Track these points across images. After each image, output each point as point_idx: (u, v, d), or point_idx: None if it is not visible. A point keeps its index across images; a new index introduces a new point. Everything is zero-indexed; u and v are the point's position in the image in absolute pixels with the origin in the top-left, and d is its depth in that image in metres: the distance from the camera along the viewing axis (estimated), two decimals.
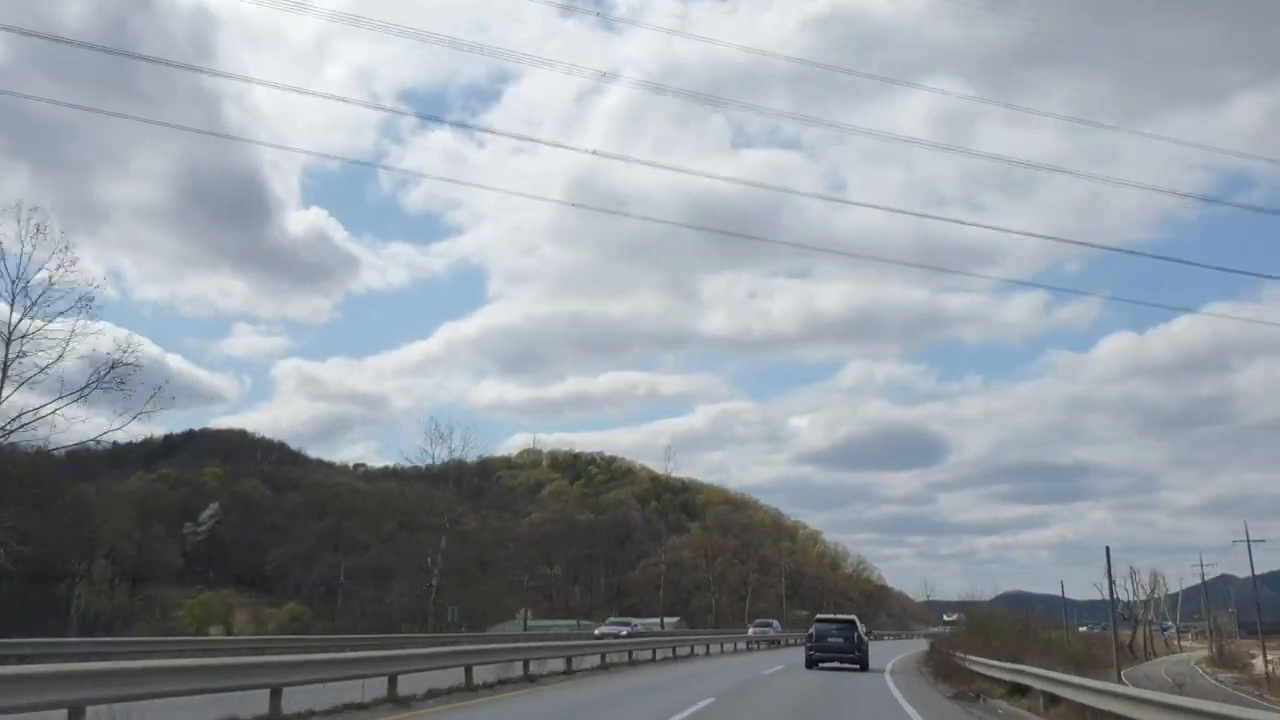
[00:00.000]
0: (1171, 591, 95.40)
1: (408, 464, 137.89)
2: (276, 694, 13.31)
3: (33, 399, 30.38)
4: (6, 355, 29.33)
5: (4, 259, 29.50)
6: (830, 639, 31.77)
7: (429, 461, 79.23)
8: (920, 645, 51.21)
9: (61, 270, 29.38)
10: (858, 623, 34.02)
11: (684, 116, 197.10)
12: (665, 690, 20.24)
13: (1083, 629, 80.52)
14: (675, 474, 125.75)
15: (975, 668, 25.45)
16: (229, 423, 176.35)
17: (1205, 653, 59.65)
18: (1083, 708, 14.95)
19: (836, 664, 31.25)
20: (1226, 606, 79.15)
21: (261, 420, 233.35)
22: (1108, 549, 41.23)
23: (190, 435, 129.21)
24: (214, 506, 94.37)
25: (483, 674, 20.35)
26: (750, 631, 61.61)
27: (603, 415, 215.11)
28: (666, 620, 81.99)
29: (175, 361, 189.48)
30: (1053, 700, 17.20)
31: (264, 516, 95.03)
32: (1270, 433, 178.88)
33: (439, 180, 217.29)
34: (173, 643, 29.70)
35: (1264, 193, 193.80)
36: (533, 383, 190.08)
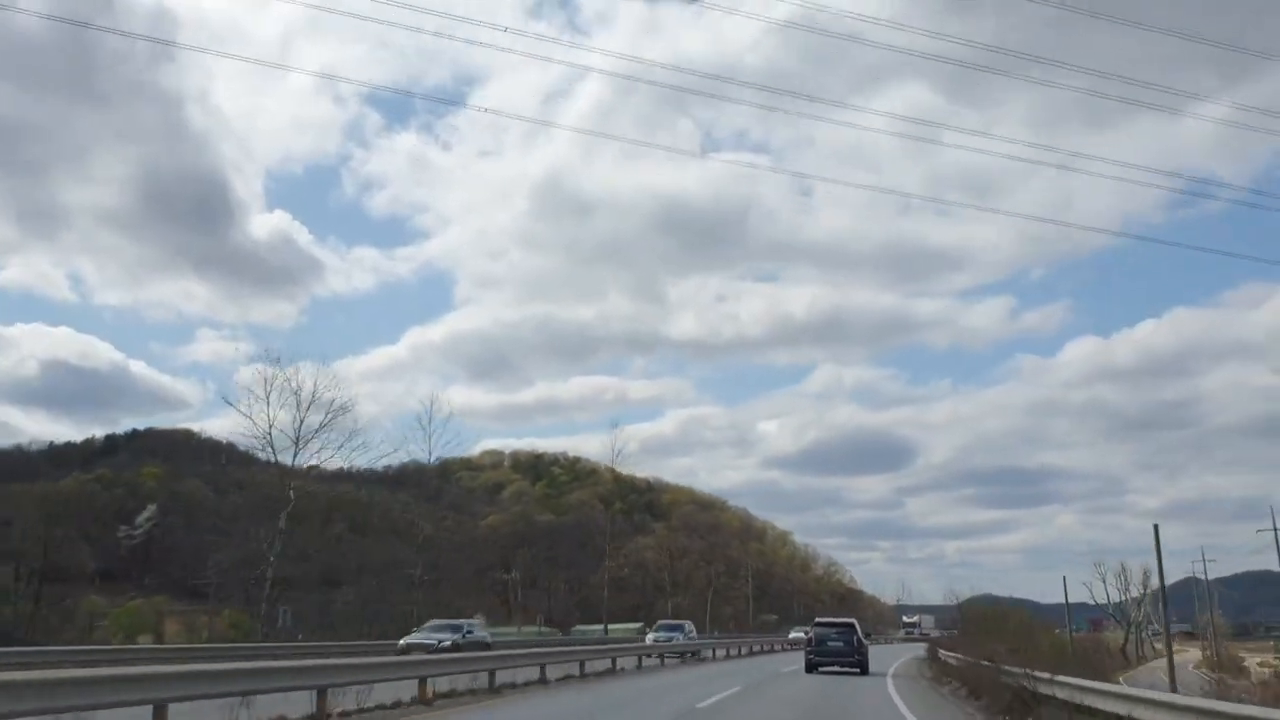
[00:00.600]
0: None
1: (364, 467, 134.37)
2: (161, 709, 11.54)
3: None
4: None
5: None
6: (830, 643, 31.86)
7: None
8: (898, 650, 48.37)
9: None
10: (857, 626, 33.88)
11: (653, 119, 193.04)
12: None
13: (1056, 631, 78.35)
14: (640, 474, 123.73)
15: (1056, 691, 16.68)
16: (186, 424, 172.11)
17: (1195, 655, 57.23)
18: None
19: (837, 668, 31.11)
20: (1198, 610, 77.03)
21: (226, 426, 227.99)
22: (1156, 529, 37.18)
23: (133, 435, 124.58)
24: (151, 509, 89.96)
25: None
26: (650, 637, 47.04)
27: (572, 420, 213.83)
28: (625, 626, 78.71)
29: (138, 367, 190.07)
30: None
31: (205, 519, 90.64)
32: (1233, 436, 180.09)
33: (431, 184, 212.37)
34: (52, 653, 26.65)
35: (1227, 196, 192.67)
36: (501, 388, 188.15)
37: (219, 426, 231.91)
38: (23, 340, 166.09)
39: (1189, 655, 56.37)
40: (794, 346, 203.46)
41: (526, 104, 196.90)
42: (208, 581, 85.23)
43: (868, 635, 38.69)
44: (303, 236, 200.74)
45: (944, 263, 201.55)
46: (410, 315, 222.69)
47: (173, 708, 11.75)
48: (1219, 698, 16.64)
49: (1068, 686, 15.91)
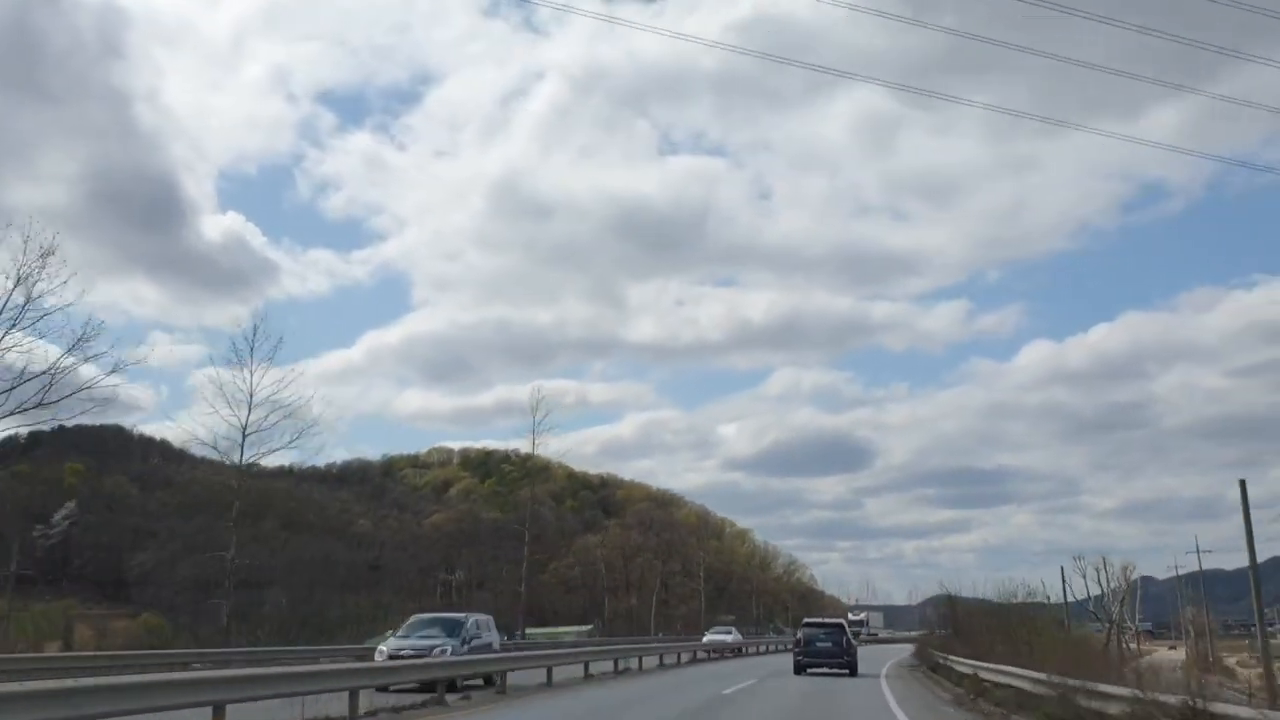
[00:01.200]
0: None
1: (306, 464, 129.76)
2: None
3: None
4: None
5: None
6: (819, 644, 31.89)
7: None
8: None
9: None
10: (846, 627, 34.23)
11: (611, 121, 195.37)
12: None
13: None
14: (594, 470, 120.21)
15: None
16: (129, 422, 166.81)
17: (1172, 656, 54.77)
18: None
19: (825, 669, 31.02)
20: (1187, 605, 74.91)
21: (179, 430, 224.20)
22: (1243, 483, 33.37)
23: (60, 430, 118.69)
24: (69, 506, 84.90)
25: None
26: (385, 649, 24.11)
27: (530, 423, 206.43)
28: (575, 629, 75.26)
29: (89, 370, 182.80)
30: None
31: (127, 518, 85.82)
32: (1186, 437, 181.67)
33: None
34: None
35: (1180, 201, 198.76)
36: (458, 391, 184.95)
37: (174, 430, 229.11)
38: None
39: (1168, 656, 53.65)
40: (753, 350, 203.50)
41: (483, 103, 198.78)
42: (141, 582, 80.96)
43: (855, 637, 37.63)
44: (256, 238, 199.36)
45: (900, 266, 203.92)
46: (366, 318, 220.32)
47: None
48: None
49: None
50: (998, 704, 18.06)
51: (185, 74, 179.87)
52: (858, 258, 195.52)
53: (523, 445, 50.84)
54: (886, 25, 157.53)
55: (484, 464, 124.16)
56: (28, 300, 28.12)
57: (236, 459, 41.76)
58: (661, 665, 35.14)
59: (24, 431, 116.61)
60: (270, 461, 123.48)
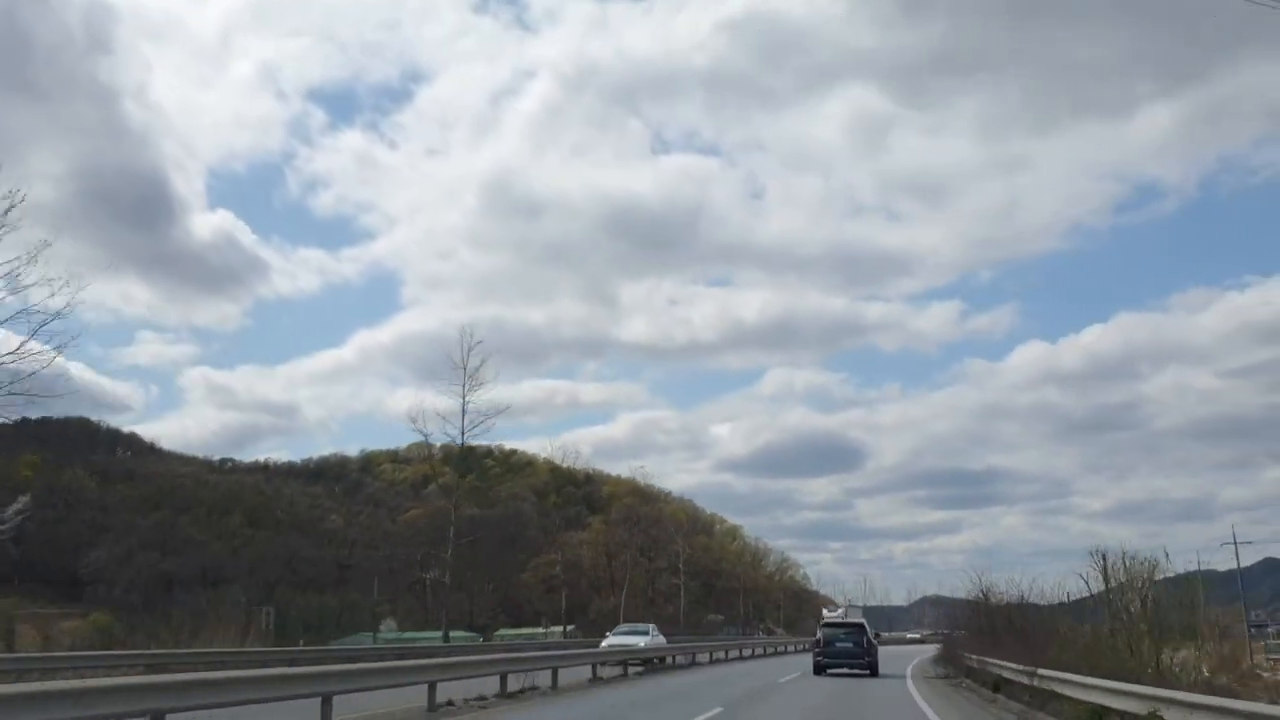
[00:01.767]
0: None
1: (282, 460, 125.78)
2: None
3: None
4: None
5: None
6: (839, 644, 31.93)
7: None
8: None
9: None
10: (867, 626, 33.80)
11: (603, 120, 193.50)
12: None
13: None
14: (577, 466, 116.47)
15: None
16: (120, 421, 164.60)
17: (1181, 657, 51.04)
18: None
19: (846, 669, 31.08)
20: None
21: (167, 429, 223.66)
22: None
23: (24, 422, 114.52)
24: (23, 500, 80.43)
25: None
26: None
27: (523, 424, 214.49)
28: (554, 630, 71.64)
29: (77, 369, 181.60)
30: None
31: (84, 512, 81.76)
32: (1177, 439, 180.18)
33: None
34: None
35: (1172, 202, 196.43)
36: (449, 391, 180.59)
37: (161, 429, 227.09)
38: None
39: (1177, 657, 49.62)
40: (746, 350, 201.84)
41: (474, 101, 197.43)
42: (95, 579, 77.18)
43: (875, 636, 36.22)
44: (246, 237, 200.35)
45: (893, 266, 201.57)
46: (357, 317, 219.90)
47: None
48: None
49: None
50: None
51: (174, 70, 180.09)
52: (851, 258, 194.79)
53: (452, 402, 44.23)
54: (878, 23, 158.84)
55: (465, 459, 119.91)
56: None
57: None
58: (595, 678, 27.01)
59: None
60: (245, 456, 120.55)
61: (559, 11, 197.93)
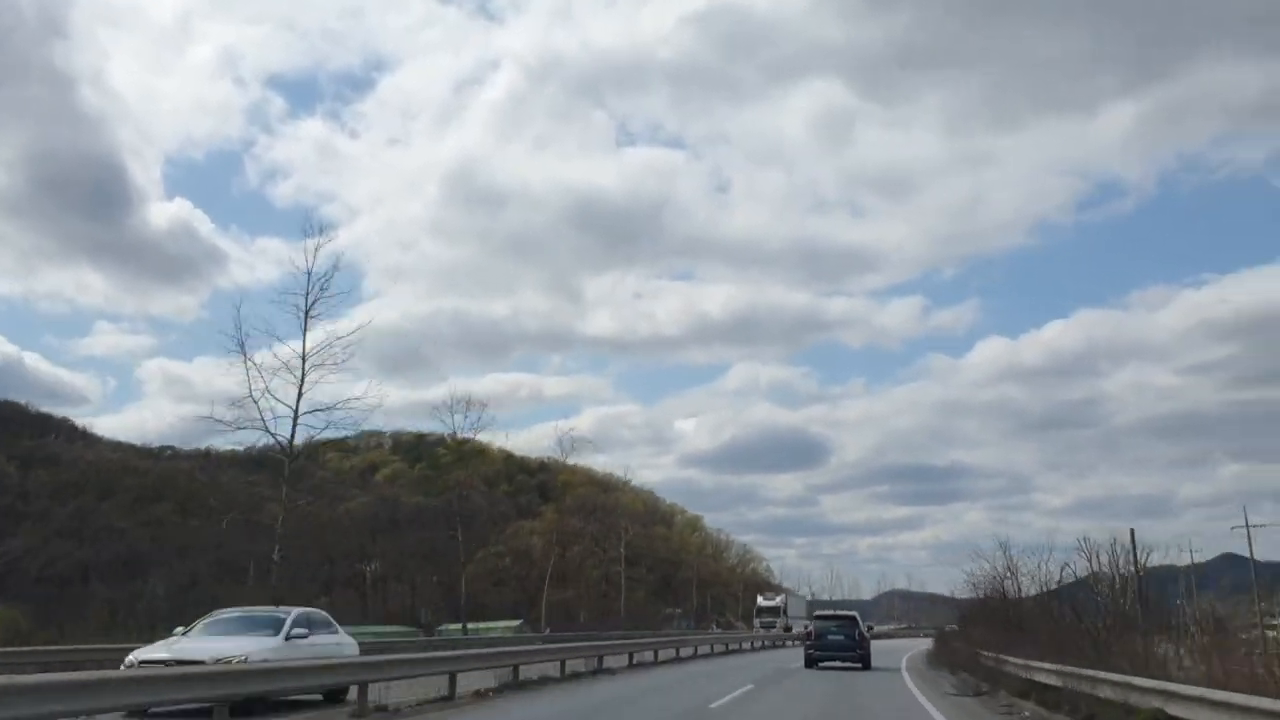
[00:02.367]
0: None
1: (225, 449, 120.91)
2: None
3: None
4: None
5: None
6: (830, 636, 32.10)
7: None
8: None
9: None
10: (859, 619, 33.96)
11: (567, 111, 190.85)
12: None
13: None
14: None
15: None
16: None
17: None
18: None
19: (838, 663, 31.40)
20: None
21: (124, 423, 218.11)
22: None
23: None
24: None
25: None
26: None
27: (485, 417, 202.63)
28: (504, 624, 67.93)
29: (33, 360, 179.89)
30: None
31: (2, 498, 76.94)
32: (1136, 435, 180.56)
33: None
34: None
35: (1133, 200, 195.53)
36: (411, 384, 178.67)
37: (117, 423, 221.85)
38: None
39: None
40: (711, 344, 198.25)
41: (438, 91, 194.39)
42: (6, 571, 72.55)
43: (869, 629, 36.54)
44: (204, 226, 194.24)
45: (857, 262, 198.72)
46: (317, 308, 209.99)
47: None
48: None
49: None
50: None
51: (131, 55, 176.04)
52: (815, 253, 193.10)
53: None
54: (843, 17, 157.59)
55: (416, 448, 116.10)
56: None
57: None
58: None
59: None
60: (186, 444, 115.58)
61: (524, 2, 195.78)
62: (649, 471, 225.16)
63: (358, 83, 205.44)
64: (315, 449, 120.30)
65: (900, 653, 45.34)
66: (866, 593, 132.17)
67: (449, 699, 18.41)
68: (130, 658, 15.78)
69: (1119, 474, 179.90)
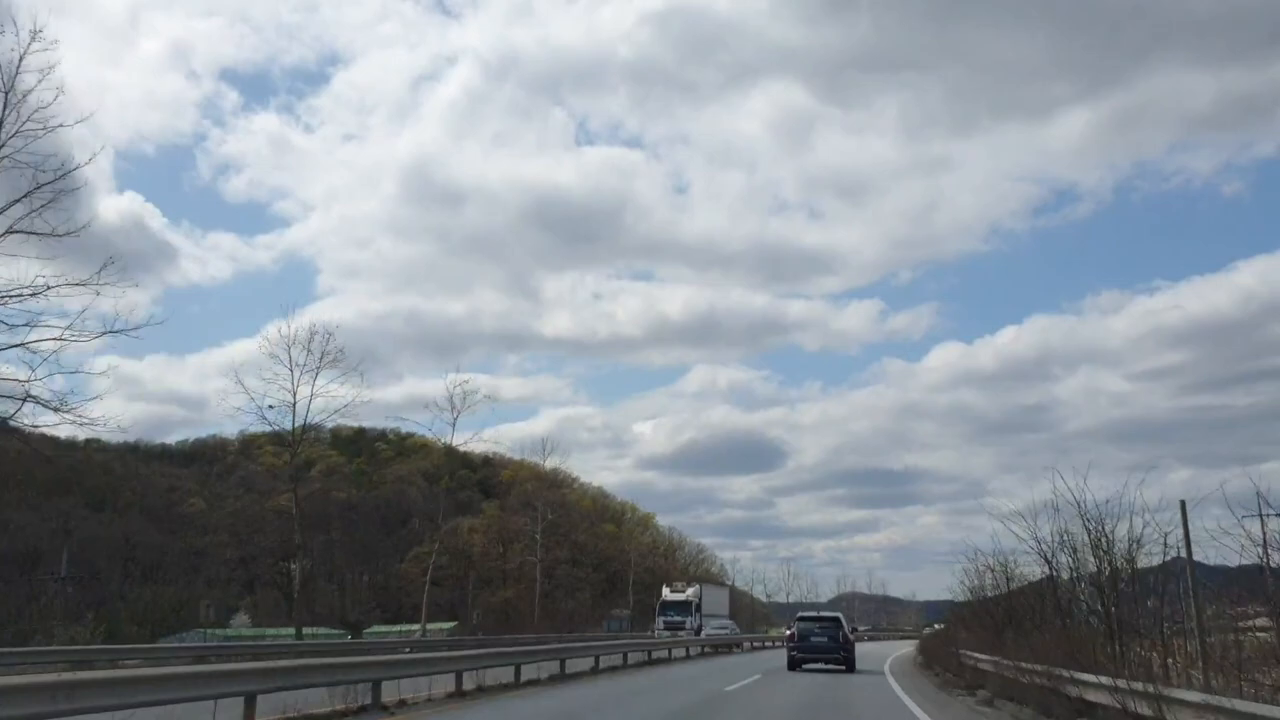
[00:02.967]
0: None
1: (155, 442, 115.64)
2: None
3: None
4: None
5: None
6: (814, 638, 32.56)
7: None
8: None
9: None
10: (843, 620, 34.34)
11: (525, 109, 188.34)
12: None
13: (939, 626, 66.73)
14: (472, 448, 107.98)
15: None
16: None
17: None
18: None
19: (821, 664, 31.92)
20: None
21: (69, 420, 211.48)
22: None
23: None
24: None
25: None
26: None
27: (443, 418, 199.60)
28: (439, 626, 63.85)
29: None
30: None
31: None
32: (1088, 440, 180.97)
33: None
34: None
35: (1088, 205, 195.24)
36: (366, 383, 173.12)
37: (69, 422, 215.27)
38: None
39: None
40: (670, 346, 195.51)
41: (394, 87, 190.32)
42: None
43: (853, 631, 37.16)
44: (155, 220, 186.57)
45: (816, 264, 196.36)
46: (270, 306, 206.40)
47: None
48: None
49: None
50: None
51: (80, 47, 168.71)
52: (774, 255, 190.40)
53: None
54: (803, 20, 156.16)
55: (355, 442, 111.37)
56: None
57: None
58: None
59: None
60: (115, 439, 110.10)
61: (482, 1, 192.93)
62: (607, 474, 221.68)
63: (312, 77, 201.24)
64: (248, 444, 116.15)
65: (881, 658, 41.09)
66: (825, 594, 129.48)
67: None
68: None
69: (1071, 478, 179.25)
